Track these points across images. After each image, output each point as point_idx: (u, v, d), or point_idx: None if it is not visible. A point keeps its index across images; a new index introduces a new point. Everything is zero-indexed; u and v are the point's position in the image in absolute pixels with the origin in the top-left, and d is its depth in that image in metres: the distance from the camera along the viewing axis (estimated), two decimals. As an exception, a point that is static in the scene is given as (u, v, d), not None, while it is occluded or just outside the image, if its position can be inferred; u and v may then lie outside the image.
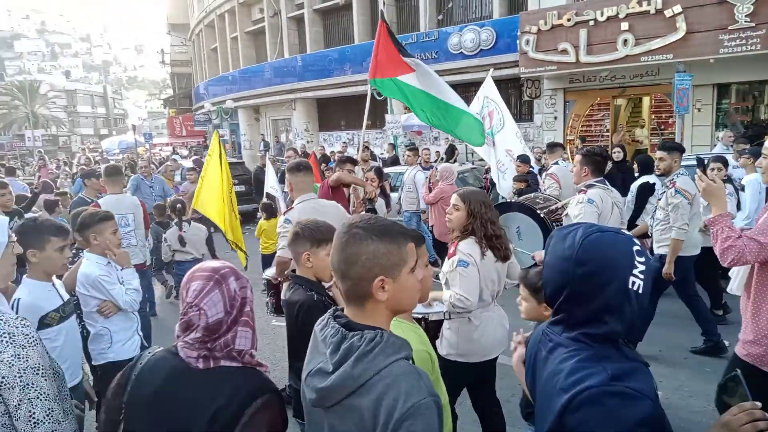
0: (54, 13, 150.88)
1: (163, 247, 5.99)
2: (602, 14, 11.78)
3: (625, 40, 11.50)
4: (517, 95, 16.23)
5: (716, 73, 11.34)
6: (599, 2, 12.22)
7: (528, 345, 1.55)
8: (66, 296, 2.76)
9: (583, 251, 1.29)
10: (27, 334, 1.68)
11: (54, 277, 2.74)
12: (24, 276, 2.63)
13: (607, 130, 13.98)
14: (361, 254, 1.29)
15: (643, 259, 1.27)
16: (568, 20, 12.22)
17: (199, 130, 29.87)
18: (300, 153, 14.64)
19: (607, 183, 4.21)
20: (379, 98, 14.41)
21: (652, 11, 11.14)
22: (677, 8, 10.82)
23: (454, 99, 5.38)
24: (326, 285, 2.57)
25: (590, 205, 3.94)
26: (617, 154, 7.74)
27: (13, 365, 1.61)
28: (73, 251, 3.62)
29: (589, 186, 4.05)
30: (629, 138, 13.66)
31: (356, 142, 20.22)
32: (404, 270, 1.34)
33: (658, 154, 4.74)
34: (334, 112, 22.12)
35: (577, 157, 4.28)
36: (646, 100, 14.42)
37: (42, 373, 1.66)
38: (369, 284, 1.30)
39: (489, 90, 6.63)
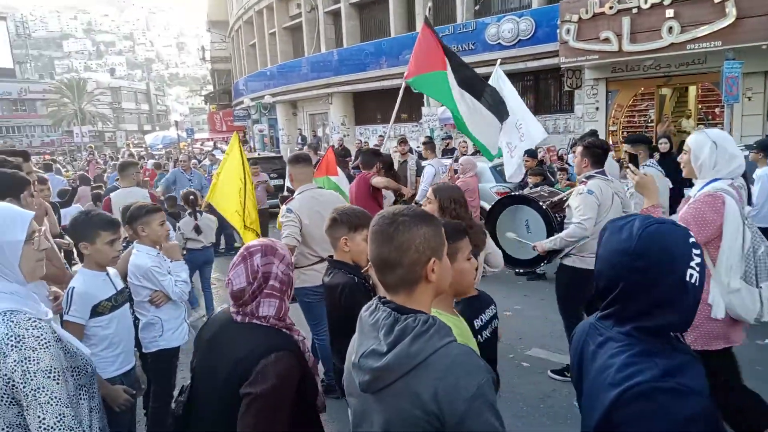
0: (99, 12, 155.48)
1: (177, 236, 6.18)
2: (646, 1, 11.40)
3: (671, 28, 11.11)
4: (557, 86, 15.92)
5: (769, 60, 10.86)
6: (643, -11, 11.85)
7: (573, 338, 1.52)
8: (120, 286, 2.86)
9: (641, 243, 1.27)
10: (38, 336, 1.59)
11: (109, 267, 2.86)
12: (80, 265, 2.76)
13: (652, 121, 13.59)
14: (414, 239, 1.33)
15: (699, 251, 1.26)
16: (610, 8, 11.88)
17: (238, 125, 30.42)
18: (339, 146, 14.77)
19: (608, 174, 4.24)
20: (415, 91, 14.37)
21: (700, -4, 10.74)
22: (726, -7, 10.40)
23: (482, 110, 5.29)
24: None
25: (590, 195, 3.97)
26: (664, 146, 7.49)
27: (22, 368, 1.54)
28: (124, 243, 3.76)
29: (589, 177, 4.08)
30: (675, 128, 13.23)
31: (392, 135, 20.25)
32: (444, 250, 1.41)
33: (624, 147, 4.66)
34: (370, 106, 22.19)
35: (578, 149, 4.32)
36: (692, 89, 13.94)
37: (54, 377, 1.57)
38: (422, 268, 1.35)
39: (502, 80, 6.25)
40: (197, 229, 6.23)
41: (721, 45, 10.55)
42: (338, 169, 6.38)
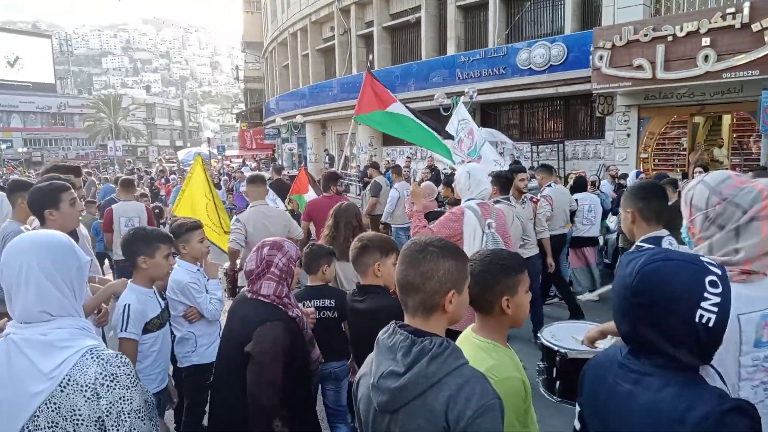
0: (138, 31, 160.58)
1: None
2: (682, 29, 11.32)
3: (707, 56, 10.99)
4: (587, 111, 15.84)
5: (808, 91, 10.64)
6: (679, 17, 11.78)
7: (584, 380, 1.48)
8: (163, 303, 2.94)
9: (639, 280, 1.26)
10: (129, 374, 1.54)
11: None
12: (129, 282, 2.81)
13: (684, 149, 13.37)
14: (438, 270, 1.44)
15: (718, 290, 1.20)
16: (645, 35, 11.83)
17: (268, 143, 30.90)
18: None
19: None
20: (445, 114, 14.52)
21: (737, 25, 10.61)
22: (766, 22, 10.27)
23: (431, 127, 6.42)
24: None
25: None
26: (699, 175, 7.36)
27: (117, 410, 1.49)
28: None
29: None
30: (708, 157, 13.00)
31: (419, 157, 20.33)
32: (465, 285, 1.52)
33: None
34: (397, 128, 22.31)
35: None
36: (726, 118, 13.70)
37: (142, 417, 1.55)
38: (441, 297, 1.45)
39: (464, 113, 7.41)
40: None
41: (759, 74, 10.38)
42: (309, 187, 7.65)
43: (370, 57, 18.75)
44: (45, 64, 59.88)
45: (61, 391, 1.46)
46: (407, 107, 6.79)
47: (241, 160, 32.87)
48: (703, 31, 11.02)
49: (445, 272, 1.44)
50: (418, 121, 6.41)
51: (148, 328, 2.75)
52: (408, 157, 18.71)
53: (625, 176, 10.28)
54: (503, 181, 4.99)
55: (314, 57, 26.43)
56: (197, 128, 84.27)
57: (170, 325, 3.30)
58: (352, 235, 3.56)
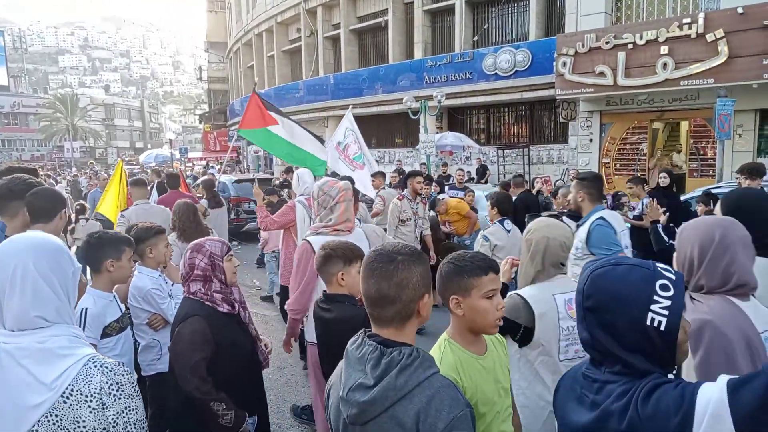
0: (97, 29, 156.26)
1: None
2: (641, 37, 11.68)
3: (665, 64, 11.36)
4: (551, 117, 16.16)
5: (759, 98, 11.11)
6: (638, 26, 12.14)
7: (557, 394, 1.48)
8: (123, 308, 2.84)
9: (589, 284, 1.30)
10: (133, 383, 1.50)
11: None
12: (88, 286, 2.70)
13: (644, 154, 13.78)
14: (412, 277, 1.42)
15: (669, 294, 1.21)
16: (606, 43, 12.15)
17: (233, 145, 30.39)
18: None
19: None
20: (413, 117, 14.53)
21: (693, 35, 11.00)
22: (719, 32, 10.67)
23: (307, 144, 7.30)
24: None
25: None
26: (663, 180, 7.42)
27: (124, 420, 1.44)
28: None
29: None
30: (667, 162, 13.42)
31: (387, 160, 20.36)
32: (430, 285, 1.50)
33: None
34: (365, 130, 22.13)
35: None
36: (684, 125, 14.18)
37: (144, 427, 1.51)
38: (416, 304, 1.43)
39: (349, 123, 8.00)
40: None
41: (713, 82, 10.79)
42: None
43: (256, 80, 19.25)
44: (-3, 61, 57.55)
45: (64, 402, 1.37)
46: (296, 122, 7.72)
47: (204, 162, 32.29)
48: (661, 39, 11.40)
49: (418, 278, 1.43)
50: (293, 142, 7.22)
51: (106, 333, 2.67)
52: (376, 161, 18.70)
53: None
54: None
55: (280, 58, 26.19)
56: (159, 129, 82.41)
57: (133, 333, 3.19)
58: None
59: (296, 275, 3.31)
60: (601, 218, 3.77)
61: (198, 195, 8.34)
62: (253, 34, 28.28)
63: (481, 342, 1.88)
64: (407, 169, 16.07)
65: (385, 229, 6.44)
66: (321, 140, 7.72)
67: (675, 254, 1.88)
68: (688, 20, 11.10)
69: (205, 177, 9.37)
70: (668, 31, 11.32)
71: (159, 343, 3.20)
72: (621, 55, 11.96)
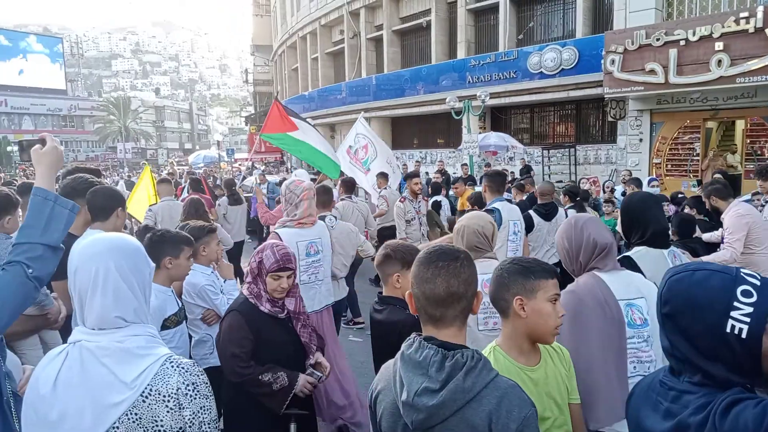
0: (147, 34, 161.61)
1: None
2: (694, 33, 11.26)
3: (720, 61, 10.92)
4: (599, 116, 15.78)
5: (823, 96, 10.56)
6: (691, 21, 11.72)
7: (631, 399, 1.46)
8: (180, 303, 2.96)
9: (666, 290, 1.27)
10: (207, 383, 1.52)
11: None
12: None
13: (697, 155, 13.28)
14: (474, 274, 1.46)
15: (751, 300, 1.16)
16: (657, 40, 11.77)
17: (277, 146, 30.87)
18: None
19: (353, 197, 7.23)
20: (456, 117, 14.47)
21: (751, 30, 10.53)
22: (780, 27, 10.19)
23: (323, 148, 7.84)
24: None
25: (335, 211, 5.77)
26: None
27: (199, 420, 1.46)
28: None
29: (342, 199, 6.88)
30: (722, 163, 12.90)
31: (429, 161, 20.32)
32: None
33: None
34: (407, 131, 22.38)
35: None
36: (740, 124, 13.60)
37: (217, 426, 1.53)
38: (473, 299, 1.47)
39: (360, 128, 8.49)
40: None
41: (772, 79, 10.31)
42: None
43: (278, 89, 19.42)
44: (56, 66, 60.43)
45: (143, 401, 1.41)
46: (314, 127, 8.47)
47: (250, 163, 32.97)
48: (716, 35, 10.96)
49: (476, 275, 1.47)
50: (313, 145, 7.80)
51: (165, 325, 2.80)
52: (417, 161, 18.70)
53: (636, 181, 10.12)
54: (347, 184, 7.20)
55: (323, 60, 26.50)
56: (206, 131, 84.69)
57: (187, 327, 3.31)
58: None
59: None
60: (496, 208, 4.69)
61: (219, 193, 9.19)
62: (297, 36, 28.72)
63: (535, 352, 1.83)
64: (449, 170, 16.04)
65: (392, 228, 7.38)
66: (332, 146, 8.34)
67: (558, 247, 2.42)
68: (746, 14, 10.63)
69: (228, 177, 9.82)
70: (723, 27, 10.87)
71: (211, 337, 3.31)
72: (672, 52, 11.56)
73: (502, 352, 1.79)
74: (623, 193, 9.35)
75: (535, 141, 17.60)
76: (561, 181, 14.78)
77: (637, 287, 2.25)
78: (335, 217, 5.08)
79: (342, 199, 6.98)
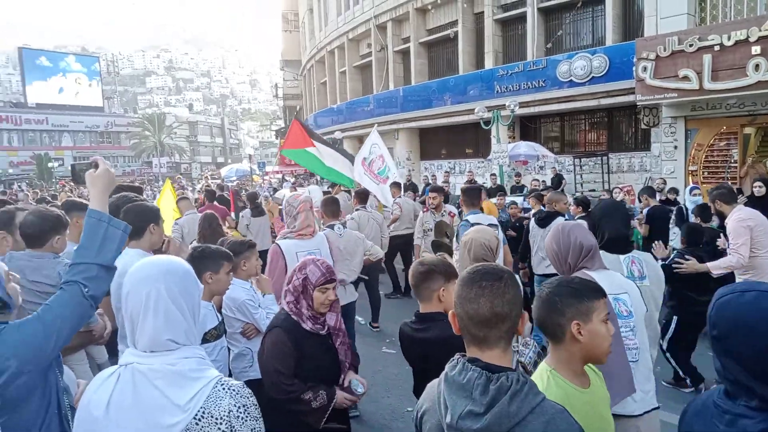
0: (180, 51, 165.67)
1: None
2: (729, 38, 11.02)
3: (757, 65, 10.65)
4: (632, 123, 15.54)
5: None
6: (726, 25, 11.48)
7: (684, 420, 1.44)
8: (220, 317, 3.02)
9: (714, 312, 1.25)
10: (256, 404, 1.55)
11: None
12: None
13: (735, 161, 12.93)
14: (519, 294, 1.43)
15: None
16: (690, 45, 11.56)
17: (295, 162, 31.19)
18: (407, 181, 15.06)
19: (370, 207, 7.43)
20: (485, 127, 14.42)
21: (790, 33, 10.27)
22: (820, 29, 9.91)
23: (338, 164, 8.27)
24: None
25: (352, 221, 6.63)
26: (759, 189, 6.90)
27: None
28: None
29: (357, 209, 7.09)
30: (763, 169, 12.52)
31: (457, 171, 20.29)
32: None
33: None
34: (435, 142, 22.40)
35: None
36: (780, 129, 13.21)
37: None
38: (518, 320, 1.43)
39: (375, 139, 8.70)
40: None
41: (813, 83, 10.01)
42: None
43: (298, 108, 19.67)
44: (93, 84, 62.53)
45: (196, 423, 1.43)
46: (329, 144, 8.93)
47: (280, 176, 33.42)
48: (752, 39, 10.71)
49: (519, 296, 1.44)
50: (326, 162, 8.24)
51: (206, 339, 2.85)
52: (446, 172, 18.68)
53: (674, 191, 9.94)
54: (362, 195, 7.46)
55: (351, 73, 26.78)
56: (238, 145, 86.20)
57: (227, 340, 3.39)
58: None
59: (268, 275, 3.85)
60: (466, 220, 5.09)
61: (241, 204, 9.62)
62: (325, 51, 29.12)
63: (585, 374, 1.79)
64: (479, 180, 15.97)
65: (405, 236, 8.23)
66: (351, 158, 8.64)
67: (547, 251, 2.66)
68: (784, 17, 10.38)
69: (251, 191, 10.19)
70: (761, 30, 10.61)
71: (251, 351, 3.36)
72: (707, 58, 11.33)
73: (559, 376, 1.73)
74: (660, 202, 9.19)
75: (566, 149, 17.41)
76: (594, 190, 14.59)
77: (619, 284, 2.52)
78: (343, 226, 5.39)
79: (357, 209, 7.25)
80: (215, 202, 9.47)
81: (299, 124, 8.41)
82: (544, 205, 7.03)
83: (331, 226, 5.21)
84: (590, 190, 14.81)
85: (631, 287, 2.54)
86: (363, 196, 7.57)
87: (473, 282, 1.44)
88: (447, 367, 1.44)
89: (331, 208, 5.44)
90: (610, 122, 16.30)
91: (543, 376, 1.74)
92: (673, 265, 4.69)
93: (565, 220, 6.17)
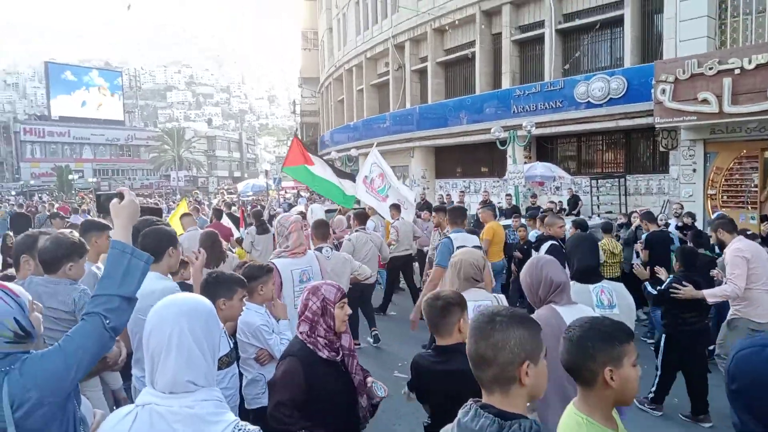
0: (201, 67, 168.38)
1: None
2: (750, 62, 10.93)
3: (779, 89, 10.55)
4: (650, 145, 15.41)
5: None
6: (747, 49, 11.39)
7: None
8: (231, 343, 3.02)
9: (733, 366, 1.25)
10: None
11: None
12: None
13: (755, 185, 12.74)
14: (509, 339, 1.38)
15: None
16: (710, 69, 11.48)
17: (296, 179, 31.40)
18: (421, 200, 15.05)
19: (369, 229, 7.77)
20: (501, 147, 14.40)
21: (812, 57, 10.17)
22: (843, 54, 9.79)
23: (337, 181, 8.54)
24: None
25: (348, 242, 6.91)
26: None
27: None
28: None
29: (356, 230, 7.24)
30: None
31: (472, 190, 20.24)
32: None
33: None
34: (450, 160, 22.40)
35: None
36: (802, 153, 13.00)
37: None
38: (515, 369, 1.38)
39: (375, 158, 8.94)
40: None
41: (837, 108, 9.87)
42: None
43: (297, 128, 20.07)
44: (115, 98, 63.83)
45: None
46: (329, 163, 9.44)
47: (296, 191, 33.63)
48: (774, 63, 10.61)
49: (517, 341, 1.38)
50: (327, 178, 8.50)
51: (218, 366, 2.82)
52: (461, 191, 18.65)
53: (690, 215, 9.81)
54: (361, 215, 7.67)
55: (368, 92, 27.01)
56: (255, 160, 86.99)
57: (239, 366, 3.38)
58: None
59: None
60: (448, 238, 5.41)
61: (249, 222, 9.92)
62: (343, 69, 29.43)
63: (612, 417, 1.74)
64: (494, 199, 15.91)
65: (404, 257, 8.63)
66: (353, 177, 9.07)
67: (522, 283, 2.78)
68: (806, 42, 10.29)
69: (257, 209, 10.53)
70: (782, 54, 10.52)
71: (264, 377, 3.32)
72: (726, 81, 11.24)
73: (596, 424, 1.66)
74: (677, 227, 9.08)
75: (582, 170, 17.30)
76: (611, 212, 14.45)
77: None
78: (330, 248, 5.73)
79: (356, 231, 7.35)
80: (223, 220, 9.79)
81: (299, 143, 8.72)
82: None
83: (320, 249, 5.49)
84: (607, 212, 14.67)
85: None
86: (363, 217, 7.73)
87: (472, 322, 1.46)
88: (460, 413, 1.42)
89: (321, 231, 5.80)
90: (627, 144, 16.19)
91: (579, 423, 1.67)
92: (671, 290, 4.78)
93: (558, 244, 6.21)
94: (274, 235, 6.59)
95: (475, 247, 4.93)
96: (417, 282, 9.07)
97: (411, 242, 8.94)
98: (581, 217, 11.97)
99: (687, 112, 11.99)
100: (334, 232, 9.78)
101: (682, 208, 10.51)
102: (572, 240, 3.65)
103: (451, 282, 3.29)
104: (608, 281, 3.46)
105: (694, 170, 13.25)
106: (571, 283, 3.11)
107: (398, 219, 8.86)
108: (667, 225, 9.23)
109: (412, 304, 7.25)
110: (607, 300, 3.24)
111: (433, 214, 7.75)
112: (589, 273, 3.33)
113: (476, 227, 9.58)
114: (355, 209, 9.15)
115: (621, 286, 3.49)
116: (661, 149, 14.09)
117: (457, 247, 4.95)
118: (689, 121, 12.16)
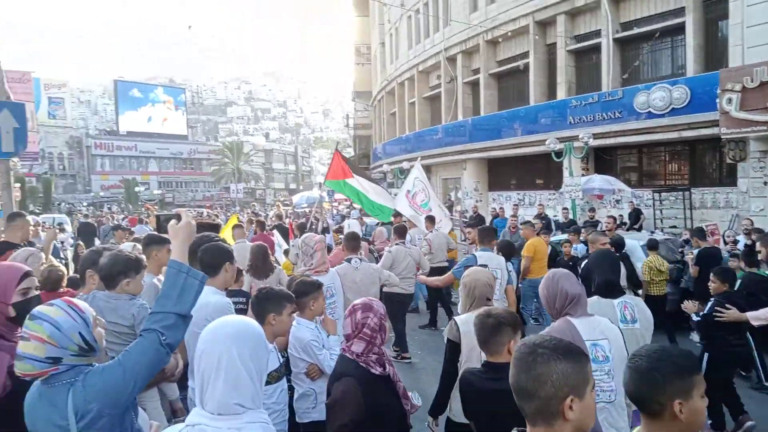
0: (259, 83, 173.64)
1: None
2: (826, 67, 10.30)
3: None
4: (716, 156, 14.70)
5: None
6: (822, 54, 10.74)
7: None
8: (282, 359, 3.08)
9: None
10: None
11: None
12: None
13: (835, 198, 11.92)
14: (551, 373, 1.33)
15: None
16: (781, 76, 10.89)
17: (338, 192, 31.68)
18: (474, 213, 14.92)
19: (407, 243, 7.72)
20: (557, 159, 14.16)
21: None
22: None
23: (375, 195, 8.74)
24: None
25: (388, 254, 7.14)
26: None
27: None
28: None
29: (396, 244, 7.37)
30: None
31: (527, 203, 19.86)
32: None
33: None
34: (504, 172, 22.10)
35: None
36: None
37: None
38: (559, 404, 1.32)
39: (417, 174, 9.14)
40: None
41: None
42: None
43: (339, 145, 20.35)
44: (178, 114, 66.81)
45: None
46: (369, 178, 9.48)
47: (349, 203, 34.01)
48: None
49: (559, 375, 1.33)
50: (365, 193, 8.73)
51: (267, 380, 2.87)
52: (515, 204, 18.35)
53: (758, 231, 9.22)
54: (401, 230, 7.72)
55: (421, 104, 27.10)
56: (309, 172, 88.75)
57: (290, 380, 3.44)
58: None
59: None
60: (473, 255, 5.69)
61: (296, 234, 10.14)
62: (396, 82, 29.69)
63: None
64: (549, 213, 15.56)
65: (439, 269, 8.19)
66: (386, 191, 9.50)
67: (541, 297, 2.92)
68: None
69: (302, 221, 10.98)
70: None
71: (314, 392, 3.37)
72: (800, 89, 10.63)
73: None
74: (745, 245, 8.59)
75: (644, 182, 16.68)
76: (675, 227, 13.84)
77: (601, 330, 2.77)
78: (360, 260, 5.88)
79: (396, 244, 7.47)
80: (270, 231, 10.28)
81: (340, 157, 8.93)
82: (585, 242, 6.92)
83: (349, 260, 5.69)
84: (671, 227, 14.06)
85: (612, 333, 2.77)
86: (402, 231, 7.80)
87: (515, 352, 1.43)
88: None
89: (352, 243, 6.03)
90: (692, 155, 15.49)
91: None
92: (714, 313, 4.65)
93: None
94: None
95: (495, 269, 5.15)
96: (451, 295, 9.11)
97: (445, 254, 8.89)
98: (643, 231, 11.54)
99: (756, 122, 11.39)
100: (373, 243, 10.00)
101: (752, 224, 9.92)
102: (595, 256, 3.83)
103: (463, 304, 3.40)
104: (630, 296, 3.58)
105: (765, 183, 12.52)
106: (595, 298, 3.34)
107: (432, 231, 8.90)
108: (735, 242, 8.74)
109: (447, 319, 7.33)
110: (630, 315, 3.34)
111: (468, 229, 7.88)
112: (611, 288, 3.43)
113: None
114: (392, 223, 9.36)
115: (640, 300, 3.63)
116: (729, 161, 13.39)
117: (480, 266, 4.97)
118: (759, 132, 11.53)
